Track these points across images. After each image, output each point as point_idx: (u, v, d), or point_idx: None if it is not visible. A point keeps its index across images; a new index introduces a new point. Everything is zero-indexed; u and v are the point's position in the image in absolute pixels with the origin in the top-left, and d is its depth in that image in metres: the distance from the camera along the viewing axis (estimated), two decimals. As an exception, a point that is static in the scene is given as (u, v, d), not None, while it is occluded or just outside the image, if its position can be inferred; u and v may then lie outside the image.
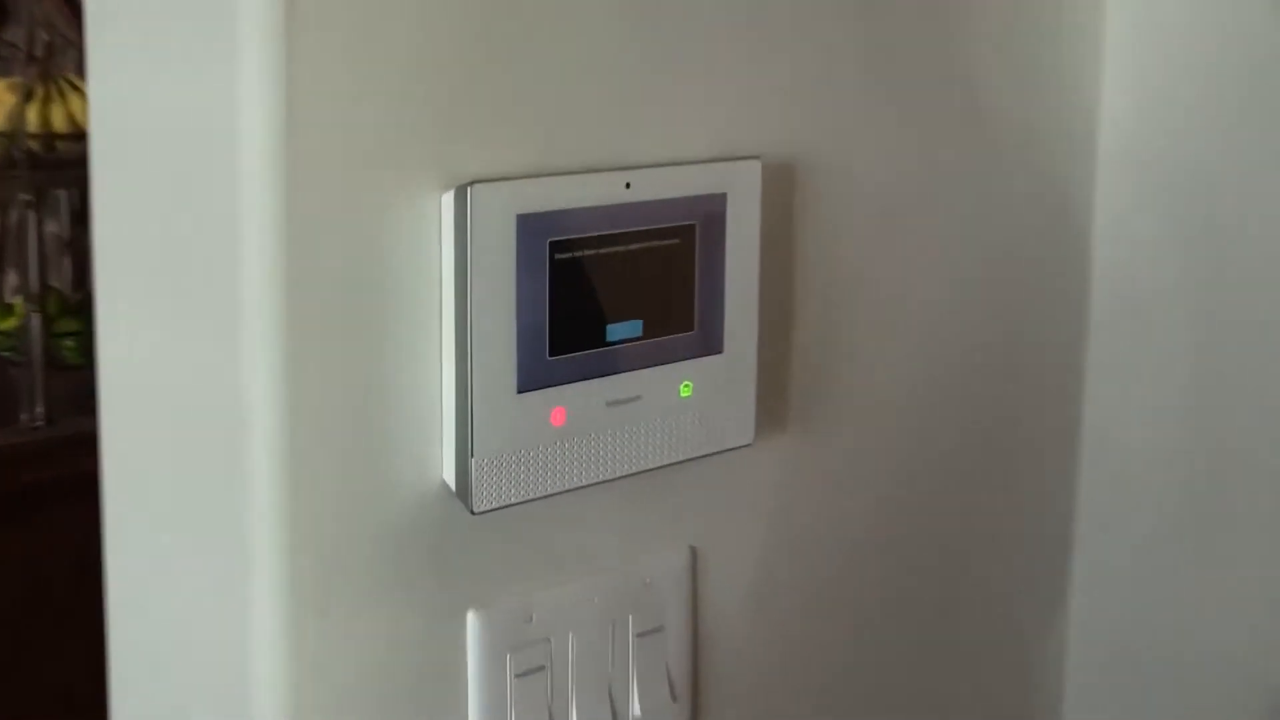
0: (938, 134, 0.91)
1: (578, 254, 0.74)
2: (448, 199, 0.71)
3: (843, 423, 0.92)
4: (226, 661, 0.71)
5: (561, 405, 0.75)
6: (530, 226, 0.72)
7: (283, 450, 0.69)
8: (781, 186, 0.85)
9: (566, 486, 0.76)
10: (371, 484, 0.72)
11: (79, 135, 1.93)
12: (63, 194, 1.95)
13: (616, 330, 0.77)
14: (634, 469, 0.79)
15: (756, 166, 0.81)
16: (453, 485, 0.74)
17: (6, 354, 1.89)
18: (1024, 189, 0.95)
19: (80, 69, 1.90)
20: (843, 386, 0.91)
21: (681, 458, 0.81)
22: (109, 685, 0.79)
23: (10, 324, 1.90)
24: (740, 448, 0.83)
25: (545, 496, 0.76)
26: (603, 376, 0.76)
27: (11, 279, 1.93)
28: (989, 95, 0.91)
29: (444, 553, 0.75)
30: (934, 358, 0.95)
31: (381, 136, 0.69)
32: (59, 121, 1.92)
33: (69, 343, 1.89)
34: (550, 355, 0.74)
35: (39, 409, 1.84)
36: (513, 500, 0.75)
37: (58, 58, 1.94)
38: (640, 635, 0.81)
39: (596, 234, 0.75)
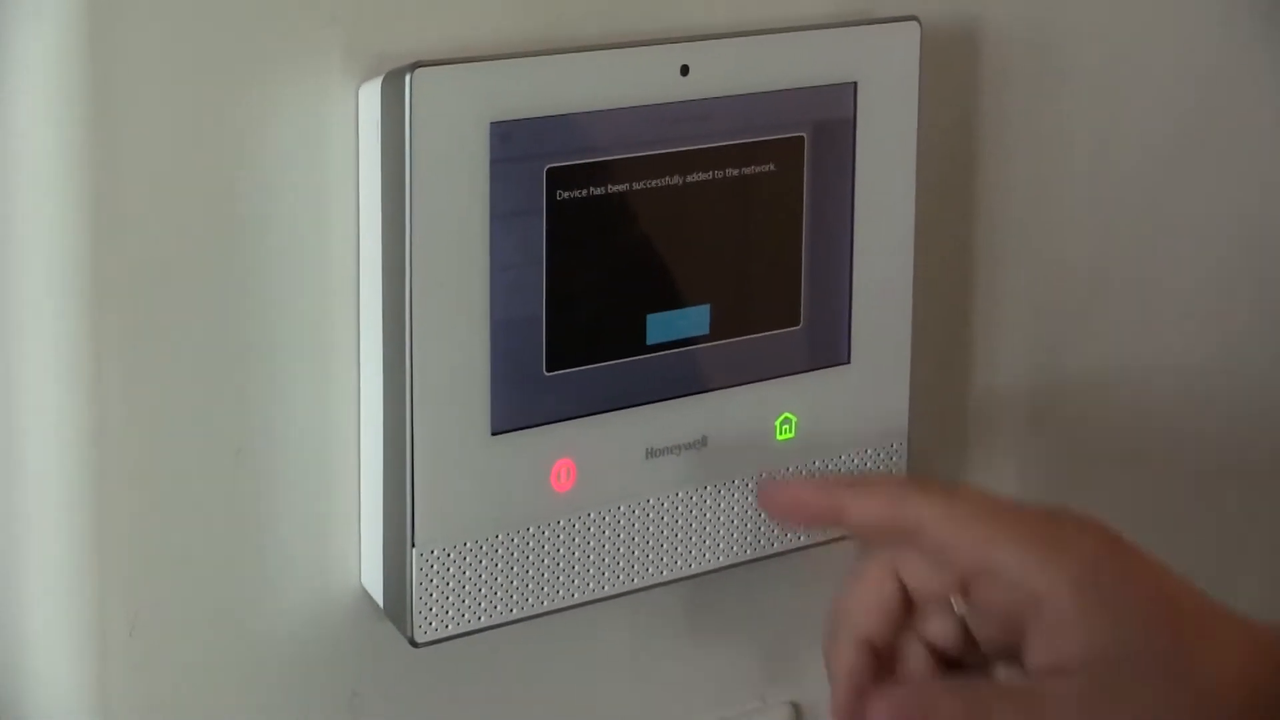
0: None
1: (595, 191, 0.74)
2: (369, 93, 0.71)
3: (1059, 486, 0.93)
4: None
5: (568, 456, 0.75)
6: (514, 143, 0.72)
7: (80, 533, 0.70)
8: (954, 69, 0.85)
9: (576, 599, 0.76)
10: (233, 599, 0.74)
11: None
12: None
13: (663, 325, 0.76)
14: (695, 568, 0.78)
15: (914, 34, 0.79)
16: (378, 598, 0.74)
17: None
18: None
19: None
20: (1067, 420, 0.94)
21: (777, 549, 0.81)
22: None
23: None
24: None
25: (539, 615, 0.76)
26: (640, 405, 0.76)
27: None
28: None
29: (363, 712, 0.76)
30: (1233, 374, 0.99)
31: None
32: None
33: None
34: (548, 370, 0.74)
35: None
36: (483, 623, 0.74)
37: None
38: None
39: (628, 156, 0.74)
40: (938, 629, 0.69)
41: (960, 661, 0.68)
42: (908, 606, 0.68)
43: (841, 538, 0.81)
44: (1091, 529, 0.67)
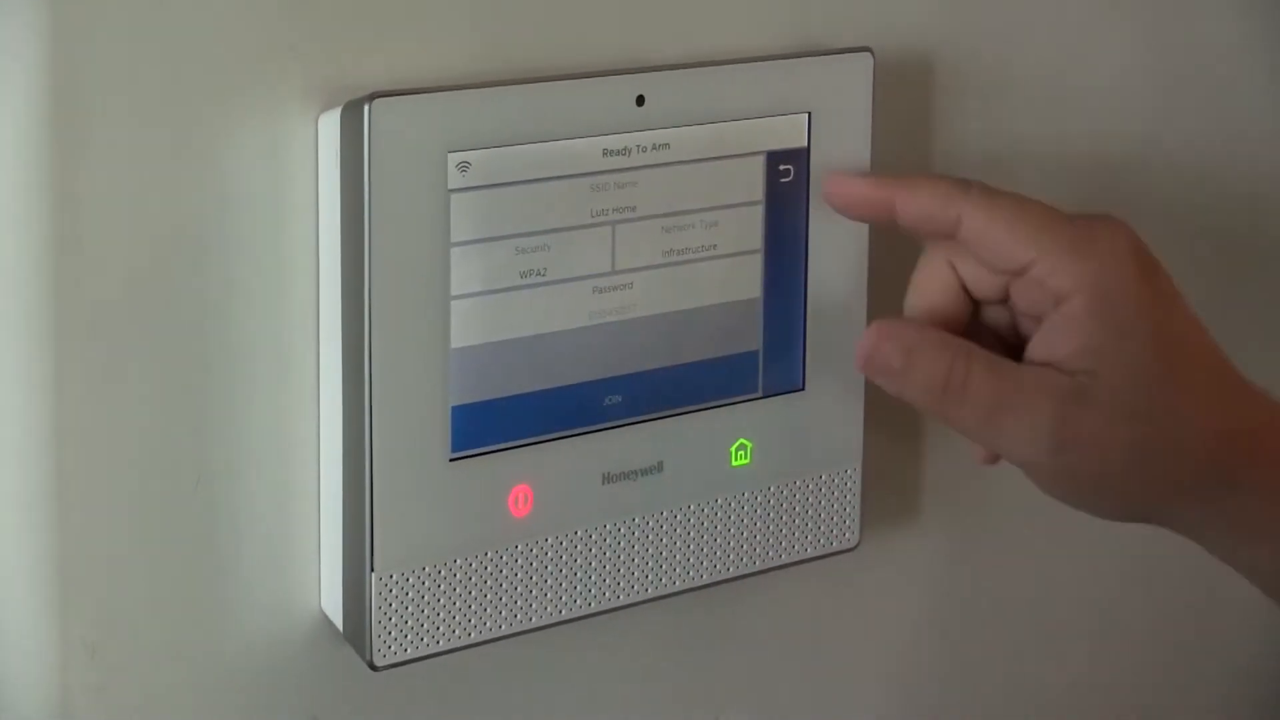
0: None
1: (552, 218, 0.74)
2: (329, 123, 0.71)
3: (1017, 509, 0.93)
4: None
5: (525, 482, 0.75)
6: (471, 172, 0.72)
7: (41, 558, 0.70)
8: (907, 99, 0.85)
9: (534, 623, 0.76)
10: (194, 623, 0.73)
11: None
12: None
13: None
14: (652, 593, 0.78)
15: (867, 64, 0.80)
16: (338, 622, 0.74)
17: None
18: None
19: None
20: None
21: (733, 573, 0.80)
22: None
23: None
24: (836, 554, 0.83)
25: (497, 639, 0.75)
26: (597, 431, 0.75)
27: None
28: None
29: (322, 737, 0.75)
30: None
31: (192, 19, 0.70)
32: None
33: None
34: (506, 396, 0.74)
35: None
36: (441, 647, 0.74)
37: None
38: None
39: (585, 182, 0.74)
40: (996, 317, 0.73)
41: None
42: (970, 298, 0.73)
43: (798, 561, 0.82)
44: (1123, 240, 0.71)
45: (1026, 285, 0.71)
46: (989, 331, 0.74)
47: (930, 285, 0.73)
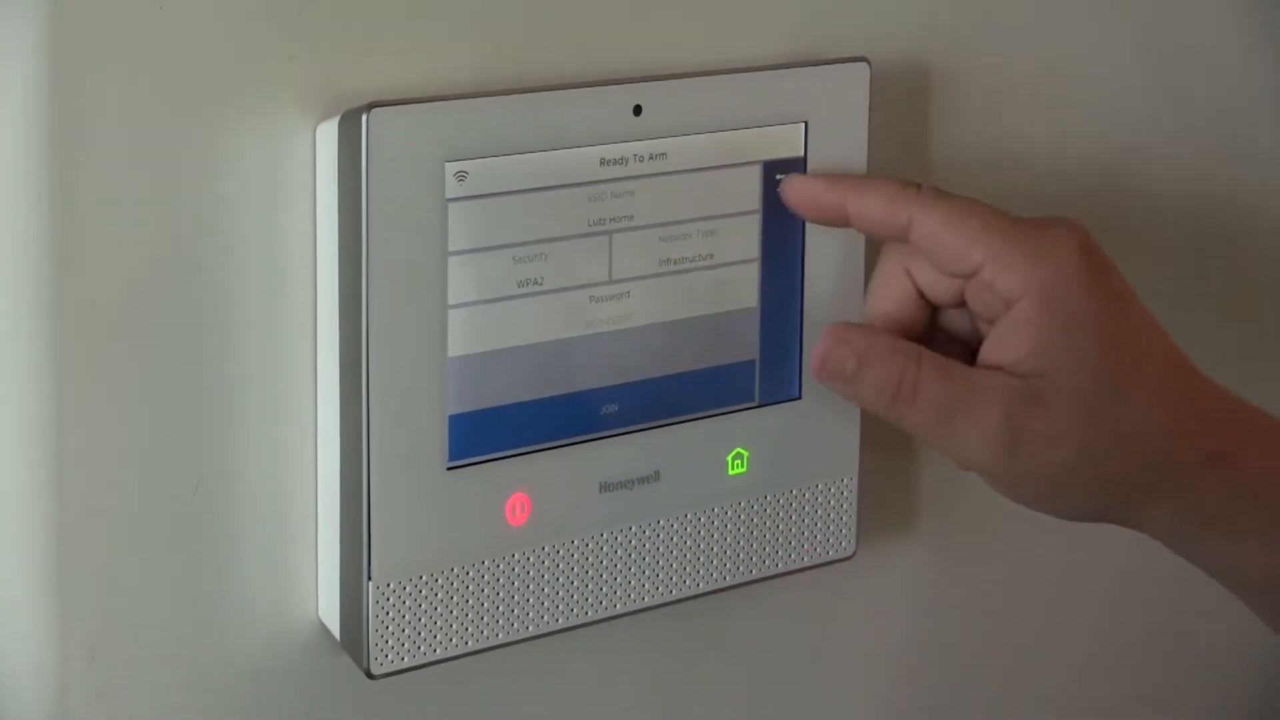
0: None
1: (549, 228, 0.74)
2: (326, 132, 0.71)
3: (1013, 518, 0.90)
4: None
5: (522, 490, 0.75)
6: (469, 181, 0.72)
7: (41, 563, 0.70)
8: (904, 108, 0.86)
9: (531, 632, 0.76)
10: (192, 630, 0.74)
11: None
12: None
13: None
14: (647, 601, 0.78)
15: (863, 74, 0.80)
16: (335, 630, 0.74)
17: None
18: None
19: None
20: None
21: (729, 582, 0.80)
22: None
23: None
24: (833, 563, 0.82)
25: (494, 647, 0.75)
26: (594, 440, 0.75)
27: None
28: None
29: (319, 745, 0.75)
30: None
31: (191, 28, 0.70)
32: None
33: None
34: (503, 404, 0.74)
35: None
36: (438, 656, 0.74)
37: None
38: None
39: (582, 191, 0.74)
40: (955, 321, 0.73)
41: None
42: (927, 303, 0.74)
43: (794, 570, 0.82)
44: (1073, 241, 0.70)
45: (978, 288, 0.71)
46: (948, 336, 0.74)
47: (886, 291, 0.74)
